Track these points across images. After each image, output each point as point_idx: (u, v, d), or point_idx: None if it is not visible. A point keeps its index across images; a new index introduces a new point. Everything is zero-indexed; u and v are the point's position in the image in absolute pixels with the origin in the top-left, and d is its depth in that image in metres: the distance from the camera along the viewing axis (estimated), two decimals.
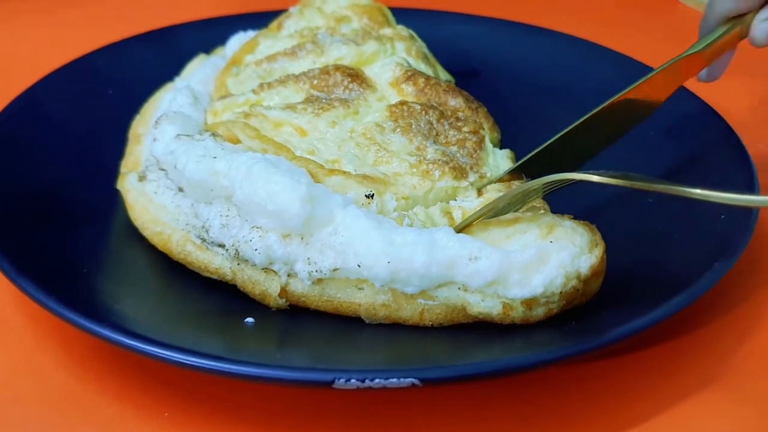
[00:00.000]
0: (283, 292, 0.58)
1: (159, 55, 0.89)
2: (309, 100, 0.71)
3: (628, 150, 0.70)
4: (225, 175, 0.60)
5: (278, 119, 0.68)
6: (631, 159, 0.69)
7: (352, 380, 0.49)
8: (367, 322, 0.57)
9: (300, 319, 0.58)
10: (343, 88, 0.72)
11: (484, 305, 0.55)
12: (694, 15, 1.15)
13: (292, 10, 0.90)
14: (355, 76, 0.73)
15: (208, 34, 0.92)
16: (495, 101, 0.78)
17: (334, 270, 0.56)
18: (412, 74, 0.74)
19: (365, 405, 0.54)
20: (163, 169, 0.67)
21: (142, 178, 0.68)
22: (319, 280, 0.57)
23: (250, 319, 0.57)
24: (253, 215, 0.58)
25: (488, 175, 0.65)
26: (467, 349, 0.56)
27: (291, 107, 0.70)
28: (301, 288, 0.58)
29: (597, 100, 0.71)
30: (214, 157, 0.61)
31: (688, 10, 1.22)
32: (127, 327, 0.52)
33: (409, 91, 0.73)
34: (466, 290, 0.55)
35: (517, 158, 0.70)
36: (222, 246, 0.60)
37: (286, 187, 0.57)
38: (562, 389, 0.55)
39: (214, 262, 0.60)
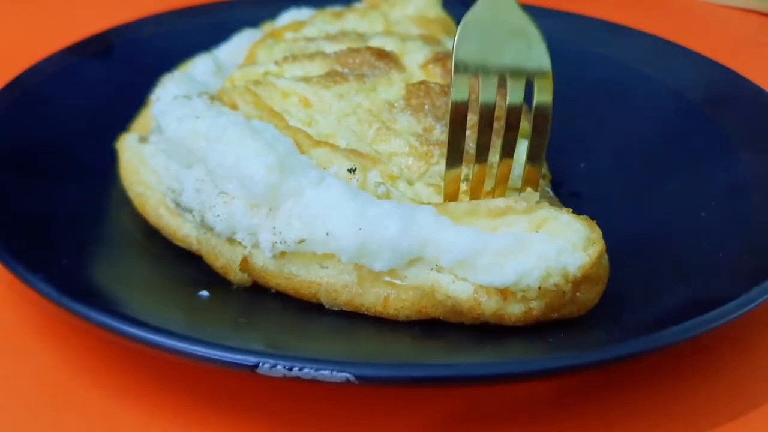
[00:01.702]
0: (245, 263, 0.53)
1: (209, 29, 0.86)
2: (328, 74, 0.66)
3: None
4: (204, 136, 0.56)
5: (286, 89, 0.64)
6: None
7: (278, 367, 0.43)
8: (327, 307, 0.51)
9: (259, 299, 0.53)
10: (368, 65, 0.67)
11: (454, 287, 0.48)
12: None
13: (357, 5, 0.85)
14: (384, 55, 0.68)
15: (265, 12, 0.89)
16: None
17: (300, 242, 0.51)
18: (442, 56, 0.67)
19: (304, 399, 0.48)
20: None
21: (143, 139, 0.65)
22: (282, 254, 0.52)
23: (204, 293, 0.52)
24: (223, 180, 0.53)
25: None
26: (427, 351, 0.48)
27: (305, 79, 0.65)
28: (262, 261, 0.52)
29: (646, 98, 0.63)
30: (197, 117, 0.57)
31: None
32: (73, 289, 0.48)
33: (436, 72, 0.66)
34: (438, 270, 0.48)
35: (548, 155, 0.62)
36: (191, 212, 0.56)
37: (254, 153, 0.52)
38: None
39: (182, 230, 0.56)
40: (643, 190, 0.64)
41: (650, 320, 0.48)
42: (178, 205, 0.57)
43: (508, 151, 0.53)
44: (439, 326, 0.50)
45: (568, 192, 0.65)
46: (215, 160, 0.53)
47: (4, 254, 0.51)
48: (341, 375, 0.42)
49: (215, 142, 0.54)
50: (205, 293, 0.53)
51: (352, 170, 0.54)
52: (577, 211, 0.55)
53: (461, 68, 0.53)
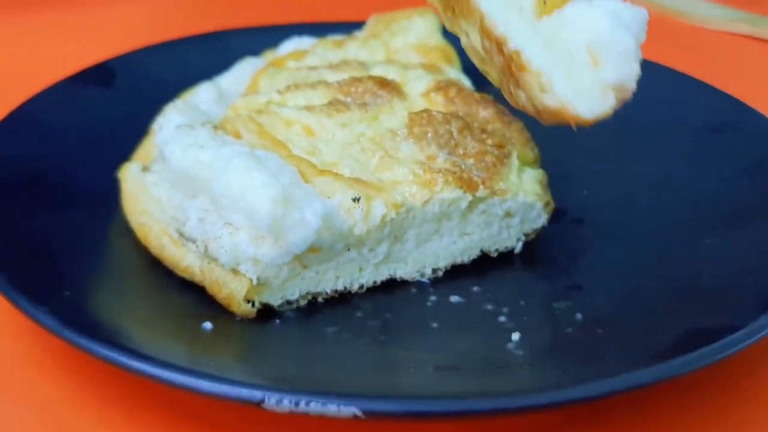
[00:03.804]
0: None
1: (209, 58, 0.87)
2: (330, 103, 0.66)
3: None
4: (208, 165, 0.55)
5: (290, 118, 0.64)
6: None
7: (284, 402, 0.42)
8: None
9: (263, 330, 0.52)
10: (371, 94, 0.67)
11: None
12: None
13: (358, 34, 0.86)
14: (386, 84, 0.68)
15: (265, 40, 0.89)
16: (553, 127, 0.71)
17: None
18: (445, 84, 0.68)
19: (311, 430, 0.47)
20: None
21: (145, 168, 0.65)
22: None
23: (208, 324, 0.52)
24: (227, 211, 0.53)
25: (505, 192, 0.58)
26: (434, 381, 0.48)
27: (308, 108, 0.65)
28: None
29: (673, 131, 0.63)
30: (201, 147, 0.57)
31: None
32: (76, 321, 0.48)
33: (438, 101, 0.66)
34: None
35: (551, 182, 0.62)
36: (194, 242, 0.56)
37: (260, 184, 0.52)
38: None
39: (185, 260, 0.56)
40: (646, 217, 0.64)
41: (656, 350, 0.48)
42: (181, 234, 0.57)
43: None
44: (446, 354, 0.49)
45: (572, 219, 0.65)
46: (220, 190, 0.53)
47: (7, 286, 0.50)
48: (348, 410, 0.42)
49: (220, 173, 0.54)
50: (208, 325, 0.52)
51: (356, 199, 0.54)
52: (580, 238, 0.55)
53: None
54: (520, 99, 0.48)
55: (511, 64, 0.47)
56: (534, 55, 0.46)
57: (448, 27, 0.54)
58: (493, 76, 0.51)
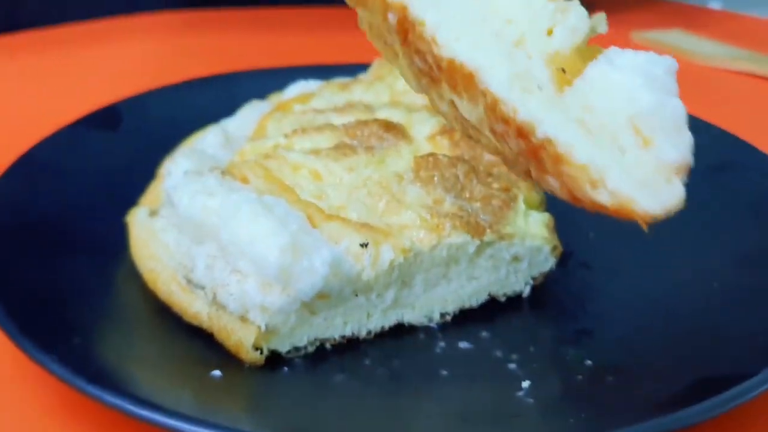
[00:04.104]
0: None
1: (216, 100, 0.87)
2: (337, 147, 0.66)
3: None
4: (216, 213, 0.56)
5: (297, 162, 0.64)
6: None
7: None
8: None
9: (272, 378, 0.52)
10: (377, 137, 0.68)
11: None
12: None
13: (363, 76, 0.87)
14: (392, 127, 0.69)
15: (271, 83, 0.90)
16: None
17: None
18: (449, 128, 0.68)
19: None
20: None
21: (153, 213, 0.65)
22: None
23: (216, 372, 0.52)
24: (235, 258, 0.53)
25: (513, 236, 0.58)
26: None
27: (315, 152, 0.66)
28: None
29: None
30: (209, 194, 0.57)
31: (641, 47, 1.14)
32: (85, 369, 0.48)
33: (443, 144, 0.67)
34: None
35: (557, 224, 0.63)
36: (203, 288, 0.56)
37: (268, 233, 0.52)
38: None
39: (194, 306, 0.56)
40: (653, 260, 0.64)
41: (666, 398, 0.48)
42: (189, 281, 0.57)
43: None
44: (457, 403, 0.49)
45: (578, 263, 0.65)
46: (228, 237, 0.54)
47: (16, 333, 0.50)
48: None
49: (228, 220, 0.54)
50: (217, 373, 0.52)
51: (364, 245, 0.54)
52: (588, 281, 0.55)
53: None
54: (549, 184, 0.43)
55: (541, 152, 0.41)
56: (570, 141, 0.40)
57: (416, 89, 0.51)
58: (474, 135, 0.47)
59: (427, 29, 0.44)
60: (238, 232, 0.53)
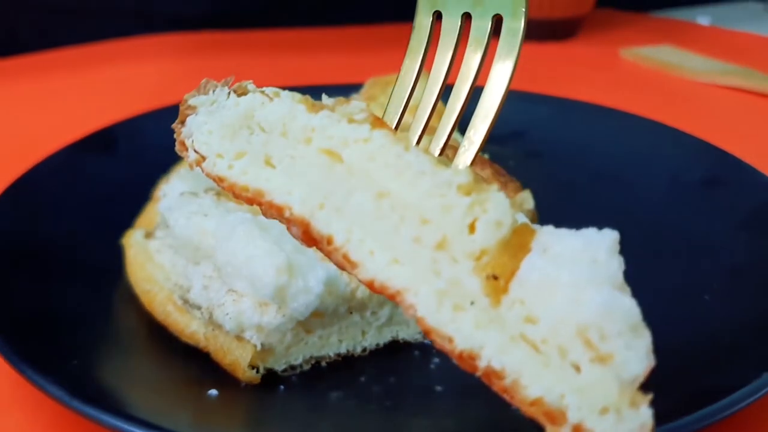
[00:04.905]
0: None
1: None
2: None
3: None
4: (212, 234, 0.56)
5: None
6: None
7: None
8: None
9: (269, 397, 0.53)
10: None
11: None
12: (635, 68, 1.27)
13: (355, 96, 0.88)
14: None
15: None
16: (549, 183, 0.72)
17: None
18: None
19: None
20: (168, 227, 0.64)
21: (148, 235, 0.65)
22: None
23: (213, 391, 0.52)
24: (232, 278, 0.54)
25: None
26: None
27: None
28: None
29: (667, 186, 0.64)
30: (205, 215, 0.58)
31: (630, 63, 1.29)
32: (83, 391, 0.48)
33: None
34: None
35: None
36: (199, 309, 0.56)
37: (264, 253, 0.53)
38: None
39: (190, 326, 0.56)
40: (642, 274, 0.64)
41: (653, 409, 0.48)
42: (185, 301, 0.58)
43: None
44: (453, 419, 0.49)
45: None
46: (224, 258, 0.54)
47: (14, 356, 0.51)
48: None
49: (224, 241, 0.55)
50: (214, 392, 0.52)
51: None
52: None
53: None
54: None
55: (492, 382, 0.35)
56: (516, 367, 0.34)
57: None
58: None
59: (336, 246, 0.39)
60: (234, 253, 0.54)
